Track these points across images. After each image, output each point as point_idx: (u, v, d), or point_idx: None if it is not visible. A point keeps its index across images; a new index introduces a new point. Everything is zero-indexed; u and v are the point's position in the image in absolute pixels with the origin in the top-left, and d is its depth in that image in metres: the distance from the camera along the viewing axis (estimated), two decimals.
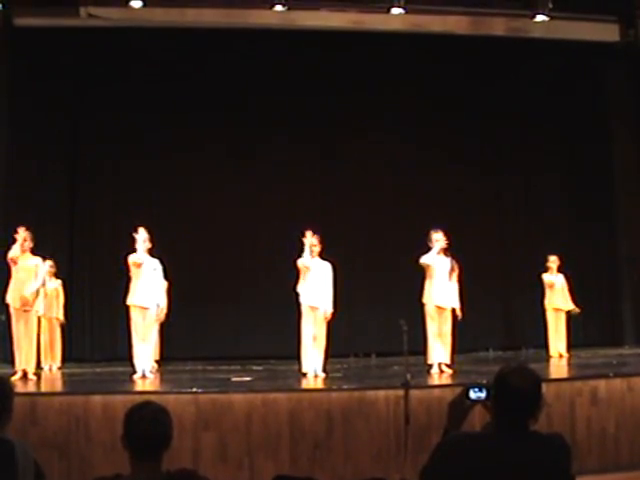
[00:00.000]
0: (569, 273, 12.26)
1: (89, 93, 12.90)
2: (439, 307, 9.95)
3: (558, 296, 12.10)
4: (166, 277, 10.91)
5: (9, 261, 9.93)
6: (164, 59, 12.85)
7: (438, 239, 9.93)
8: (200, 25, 12.34)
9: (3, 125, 12.37)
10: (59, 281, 11.36)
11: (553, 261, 12.08)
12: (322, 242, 9.85)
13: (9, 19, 11.69)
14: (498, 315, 13.70)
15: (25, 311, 9.82)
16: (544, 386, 3.03)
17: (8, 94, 12.28)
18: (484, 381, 3.25)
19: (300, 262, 9.83)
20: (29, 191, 12.57)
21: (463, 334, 10.70)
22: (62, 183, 12.95)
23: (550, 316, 12.06)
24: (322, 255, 9.90)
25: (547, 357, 11.68)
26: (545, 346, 12.01)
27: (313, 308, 9.79)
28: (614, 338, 13.59)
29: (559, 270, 12.13)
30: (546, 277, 12.10)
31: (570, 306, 12.09)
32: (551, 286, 12.10)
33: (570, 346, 12.00)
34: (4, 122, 12.33)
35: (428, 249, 9.97)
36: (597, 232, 13.94)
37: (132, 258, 9.76)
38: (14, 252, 9.84)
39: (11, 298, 9.90)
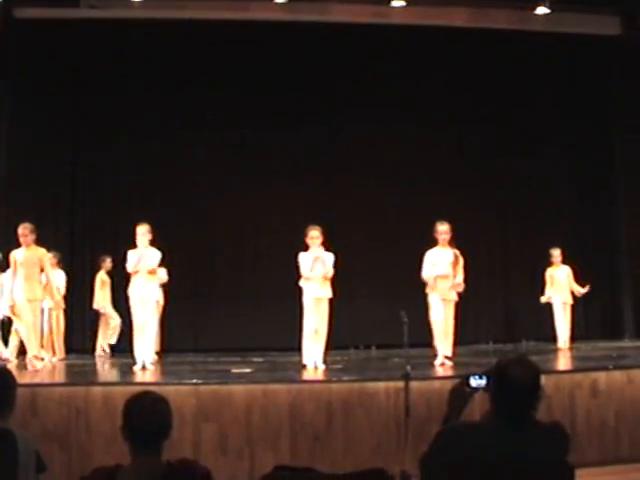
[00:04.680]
0: (569, 265, 12.26)
1: (90, 86, 12.87)
2: (443, 299, 9.90)
3: (561, 289, 12.10)
4: (167, 269, 10.95)
5: (11, 262, 9.91)
6: (165, 52, 12.82)
7: (442, 231, 9.86)
8: (201, 18, 12.31)
9: (4, 118, 12.36)
10: (62, 272, 11.34)
11: (557, 255, 12.10)
12: (323, 234, 9.78)
13: (9, 11, 11.66)
14: (498, 307, 13.73)
15: (29, 301, 9.79)
16: (544, 378, 3.04)
17: (8, 86, 12.26)
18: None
19: (301, 259, 9.76)
20: (30, 186, 12.56)
21: (464, 326, 10.70)
22: (63, 177, 12.96)
23: (557, 308, 12.05)
24: (325, 247, 9.84)
25: (549, 349, 11.66)
26: (546, 338, 12.04)
27: (318, 300, 9.75)
28: (614, 330, 13.59)
29: (563, 262, 12.15)
30: (548, 271, 12.12)
31: (570, 300, 12.11)
32: (551, 279, 12.12)
33: (571, 338, 12.01)
34: (4, 115, 12.32)
35: (434, 241, 9.91)
36: (598, 225, 13.93)
37: (129, 264, 9.74)
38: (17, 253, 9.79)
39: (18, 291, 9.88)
